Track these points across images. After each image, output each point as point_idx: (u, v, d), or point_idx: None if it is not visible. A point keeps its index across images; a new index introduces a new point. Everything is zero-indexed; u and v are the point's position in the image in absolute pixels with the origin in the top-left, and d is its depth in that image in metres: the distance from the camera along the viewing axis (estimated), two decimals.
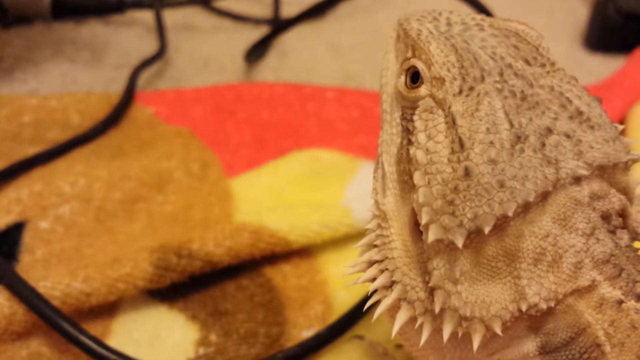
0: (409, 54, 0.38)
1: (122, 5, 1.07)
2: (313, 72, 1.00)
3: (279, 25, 1.02)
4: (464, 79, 0.35)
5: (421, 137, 0.35)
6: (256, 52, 0.98)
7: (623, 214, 0.36)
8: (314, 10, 0.96)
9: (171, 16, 1.10)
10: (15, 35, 1.02)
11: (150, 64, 0.95)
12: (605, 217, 0.35)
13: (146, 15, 1.10)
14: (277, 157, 0.77)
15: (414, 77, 0.37)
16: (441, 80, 0.35)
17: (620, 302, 0.34)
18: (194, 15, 1.15)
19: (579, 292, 0.34)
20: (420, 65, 0.37)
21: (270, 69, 1.00)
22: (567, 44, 1.17)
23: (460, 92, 0.35)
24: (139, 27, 1.10)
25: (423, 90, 0.37)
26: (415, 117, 0.36)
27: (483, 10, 0.80)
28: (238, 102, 0.88)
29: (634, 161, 0.36)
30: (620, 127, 0.37)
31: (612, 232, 0.35)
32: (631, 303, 0.34)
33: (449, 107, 0.35)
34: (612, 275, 0.34)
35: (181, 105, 0.86)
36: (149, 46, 1.03)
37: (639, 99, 0.86)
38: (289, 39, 1.05)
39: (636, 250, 0.36)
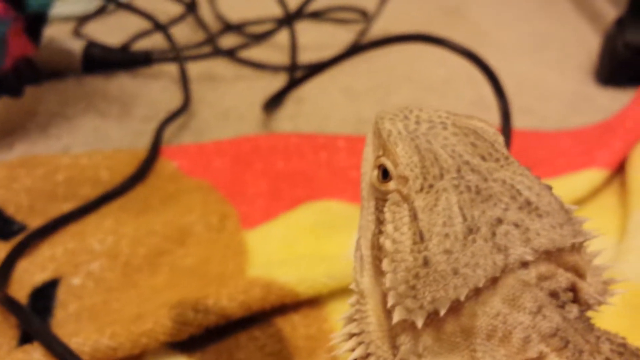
0: (381, 152, 0.44)
1: (149, 58, 1.14)
2: (328, 118, 1.06)
3: (295, 78, 1.07)
4: (425, 177, 0.40)
5: (389, 228, 0.40)
6: (274, 102, 1.04)
7: (574, 288, 0.40)
8: (330, 62, 1.00)
9: (195, 67, 1.17)
10: (49, 90, 1.09)
11: (175, 117, 1.01)
12: (553, 294, 0.39)
13: (172, 67, 1.17)
14: (290, 208, 0.82)
15: (385, 173, 0.43)
16: (405, 179, 0.41)
17: None
18: (217, 65, 1.22)
19: None
20: (389, 165, 0.42)
21: (287, 116, 1.06)
22: (578, 78, 1.21)
23: (422, 189, 0.40)
24: (165, 78, 1.17)
25: (392, 185, 0.42)
26: (385, 209, 0.42)
27: (486, 69, 0.84)
28: (255, 153, 0.93)
29: (581, 243, 0.40)
30: (574, 207, 0.42)
31: (561, 307, 0.39)
32: None
33: (412, 203, 0.40)
34: (558, 347, 0.38)
35: (203, 158, 0.92)
36: (175, 97, 1.10)
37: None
38: (305, 85, 1.10)
39: (587, 320, 0.40)
